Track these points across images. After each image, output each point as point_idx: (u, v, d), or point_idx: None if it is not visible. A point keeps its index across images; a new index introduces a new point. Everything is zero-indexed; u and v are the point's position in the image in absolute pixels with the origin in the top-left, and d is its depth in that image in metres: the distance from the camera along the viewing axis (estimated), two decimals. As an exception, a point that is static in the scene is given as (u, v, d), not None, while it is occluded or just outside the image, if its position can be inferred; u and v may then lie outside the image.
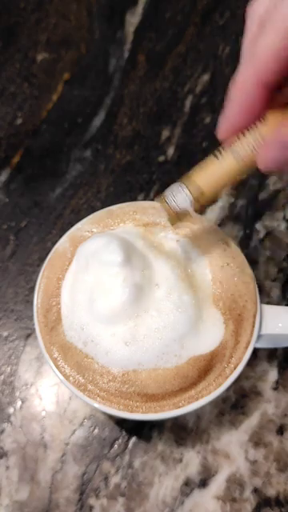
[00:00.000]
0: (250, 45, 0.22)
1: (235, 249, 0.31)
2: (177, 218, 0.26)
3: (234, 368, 0.28)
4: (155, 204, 0.33)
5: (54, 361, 0.28)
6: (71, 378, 0.27)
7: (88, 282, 0.29)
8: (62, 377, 0.28)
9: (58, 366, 0.28)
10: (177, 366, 0.27)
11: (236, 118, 0.23)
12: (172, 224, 0.27)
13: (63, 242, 0.32)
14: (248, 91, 0.23)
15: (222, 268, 0.30)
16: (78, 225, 0.32)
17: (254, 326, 0.29)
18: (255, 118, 0.23)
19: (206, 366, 0.28)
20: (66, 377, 0.27)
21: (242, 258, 0.31)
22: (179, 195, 0.25)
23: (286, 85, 0.23)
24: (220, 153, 0.23)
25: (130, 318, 0.27)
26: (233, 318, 0.29)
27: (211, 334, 0.28)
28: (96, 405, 0.27)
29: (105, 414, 0.35)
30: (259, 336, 0.29)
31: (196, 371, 0.27)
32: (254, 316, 0.29)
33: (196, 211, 0.25)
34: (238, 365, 0.28)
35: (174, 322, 0.28)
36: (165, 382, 0.27)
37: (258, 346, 0.30)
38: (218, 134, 0.24)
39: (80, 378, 0.27)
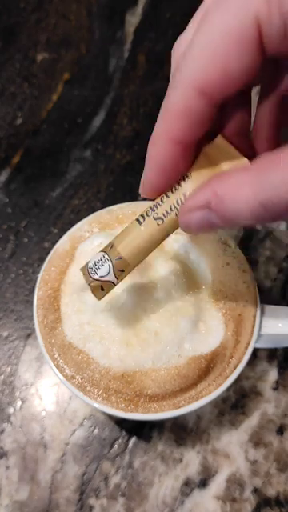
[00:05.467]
0: (165, 97, 0.20)
1: (235, 249, 0.31)
2: (101, 290, 0.24)
3: (234, 368, 0.28)
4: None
5: (54, 361, 0.28)
6: (71, 378, 0.27)
7: None
8: (62, 377, 0.27)
9: (58, 366, 0.28)
10: (177, 366, 0.27)
11: (154, 179, 0.21)
12: (98, 298, 0.25)
13: (63, 242, 0.32)
14: (161, 149, 0.20)
15: (222, 268, 0.30)
16: (78, 225, 0.32)
17: (254, 326, 0.29)
18: (176, 177, 0.21)
19: (206, 367, 0.28)
20: (66, 377, 0.27)
21: (242, 257, 0.31)
22: (102, 267, 0.23)
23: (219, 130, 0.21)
24: (143, 218, 0.22)
25: (130, 319, 0.27)
26: (233, 317, 0.29)
27: (212, 334, 0.28)
28: (96, 405, 0.27)
29: (105, 414, 0.35)
30: (259, 336, 0.29)
31: (196, 371, 0.27)
32: (254, 316, 0.29)
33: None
34: (238, 365, 0.28)
35: (174, 323, 0.28)
36: (165, 382, 0.27)
37: (258, 346, 0.30)
38: (141, 195, 0.22)
39: (80, 378, 0.27)
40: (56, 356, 0.28)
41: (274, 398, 0.36)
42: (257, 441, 0.35)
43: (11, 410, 0.36)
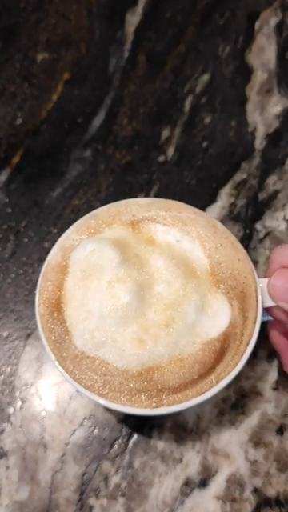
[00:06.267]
0: None
1: (224, 230, 0.32)
2: None
3: (247, 344, 0.29)
4: (138, 200, 0.33)
5: (71, 374, 0.28)
6: (91, 387, 0.27)
7: (89, 289, 0.29)
8: (82, 389, 0.27)
9: (76, 379, 0.28)
10: (192, 353, 0.28)
11: None
12: None
13: (54, 254, 0.31)
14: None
15: (216, 250, 0.31)
16: (65, 234, 0.32)
17: (257, 301, 0.30)
18: None
19: (220, 348, 0.28)
20: (86, 387, 0.27)
21: (232, 237, 0.32)
22: None
23: None
24: None
25: (138, 316, 0.28)
26: (236, 295, 0.30)
27: (219, 315, 0.29)
28: (121, 408, 0.27)
29: (105, 414, 0.35)
30: (264, 309, 0.30)
31: (212, 355, 0.28)
32: (256, 290, 0.30)
33: None
34: (249, 341, 0.29)
35: (181, 313, 0.28)
36: (184, 372, 0.27)
37: (265, 318, 0.31)
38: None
39: (100, 386, 0.27)
40: (71, 369, 0.28)
41: (274, 398, 0.36)
42: (257, 441, 0.35)
43: (11, 410, 0.36)
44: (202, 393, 0.27)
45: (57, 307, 0.29)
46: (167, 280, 0.29)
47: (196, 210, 0.33)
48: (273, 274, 0.30)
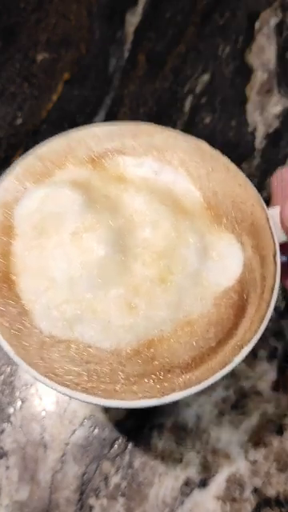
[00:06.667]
0: None
1: (213, 151, 0.26)
2: None
3: (272, 289, 0.22)
4: (94, 128, 0.26)
5: (42, 370, 0.20)
6: (76, 386, 0.20)
7: (46, 248, 0.22)
8: (67, 390, 0.20)
9: (48, 376, 0.20)
10: (203, 313, 0.21)
11: None
12: None
13: None
14: None
15: (207, 176, 0.25)
16: (3, 185, 0.24)
17: (272, 232, 0.24)
18: None
19: (239, 301, 0.22)
20: (67, 386, 0.20)
21: (224, 158, 0.26)
22: None
23: None
24: None
25: (121, 274, 0.21)
26: (245, 230, 0.23)
27: (228, 258, 0.23)
28: (120, 404, 0.20)
29: (105, 413, 0.35)
30: (281, 244, 0.24)
31: (230, 311, 0.22)
32: (268, 220, 0.24)
33: None
34: (274, 284, 0.22)
35: (178, 260, 0.22)
36: (196, 339, 0.21)
37: (285, 258, 0.25)
38: None
39: (85, 381, 0.20)
40: (39, 362, 0.20)
41: (274, 398, 0.36)
42: (257, 441, 0.35)
43: (11, 410, 0.36)
44: (226, 364, 0.20)
45: (6, 281, 0.22)
46: (152, 221, 0.22)
47: (171, 129, 0.26)
48: (285, 202, 0.23)
